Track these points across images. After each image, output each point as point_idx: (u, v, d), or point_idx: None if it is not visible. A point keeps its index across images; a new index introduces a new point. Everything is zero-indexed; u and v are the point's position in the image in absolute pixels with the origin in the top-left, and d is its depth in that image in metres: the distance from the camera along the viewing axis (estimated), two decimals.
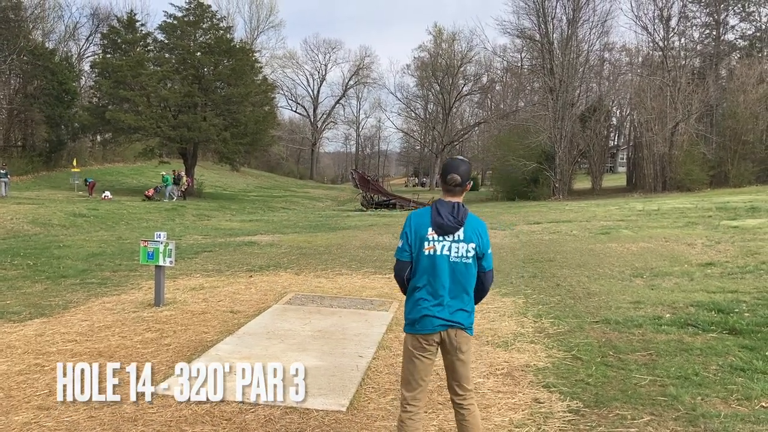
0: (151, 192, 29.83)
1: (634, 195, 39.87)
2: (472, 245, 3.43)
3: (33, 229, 19.31)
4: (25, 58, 39.93)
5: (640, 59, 53.12)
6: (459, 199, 3.47)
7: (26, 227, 19.35)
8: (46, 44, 45.20)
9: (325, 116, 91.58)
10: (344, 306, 8.19)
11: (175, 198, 35.12)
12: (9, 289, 9.14)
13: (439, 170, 3.29)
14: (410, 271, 3.47)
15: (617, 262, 11.43)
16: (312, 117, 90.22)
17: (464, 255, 3.41)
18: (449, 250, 3.40)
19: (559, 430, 4.23)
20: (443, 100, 79.59)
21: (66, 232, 18.89)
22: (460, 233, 3.40)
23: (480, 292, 3.58)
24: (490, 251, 3.54)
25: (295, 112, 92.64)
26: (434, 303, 3.40)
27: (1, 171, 29.55)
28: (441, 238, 3.40)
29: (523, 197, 42.83)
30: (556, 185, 43.96)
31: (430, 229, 3.40)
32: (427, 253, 3.40)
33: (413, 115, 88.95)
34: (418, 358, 3.46)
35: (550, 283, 9.60)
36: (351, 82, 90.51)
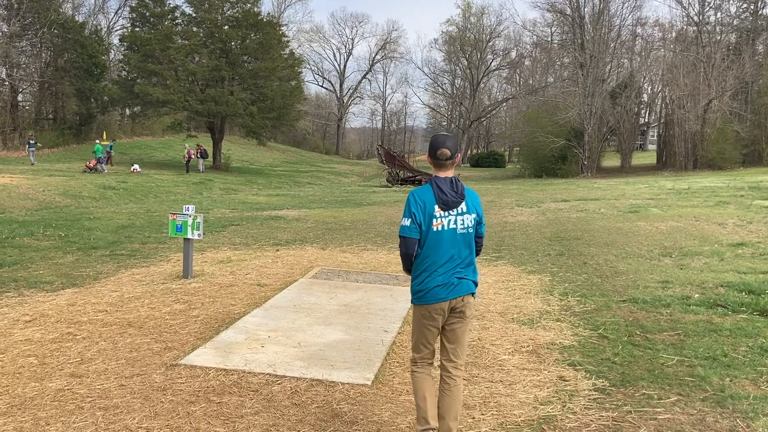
0: (93, 163, 29.41)
1: (664, 173, 39.26)
2: (474, 216, 3.64)
3: (64, 200, 19.65)
4: (55, 31, 40.33)
5: (673, 34, 52.04)
6: (451, 173, 3.62)
7: (57, 199, 19.69)
8: (76, 17, 45.64)
9: (351, 91, 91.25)
10: (369, 281, 8.23)
11: (202, 171, 35.49)
12: (42, 260, 9.34)
13: (428, 149, 3.43)
14: (417, 247, 3.58)
15: (646, 241, 11.29)
16: (338, 92, 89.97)
17: (469, 225, 3.61)
18: (455, 223, 3.57)
19: (585, 408, 4.22)
20: (471, 75, 78.74)
21: (96, 204, 19.19)
22: (463, 206, 3.58)
23: (474, 256, 3.79)
24: (483, 219, 3.79)
25: (322, 86, 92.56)
26: (444, 275, 3.55)
27: (30, 141, 31.70)
28: (446, 213, 3.55)
29: (550, 174, 42.42)
30: (585, 163, 43.44)
31: (436, 206, 3.54)
32: (435, 228, 3.54)
33: (440, 90, 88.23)
34: (428, 328, 3.62)
35: (577, 262, 9.52)
36: (378, 57, 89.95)
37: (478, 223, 3.69)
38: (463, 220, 3.58)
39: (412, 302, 3.70)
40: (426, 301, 3.56)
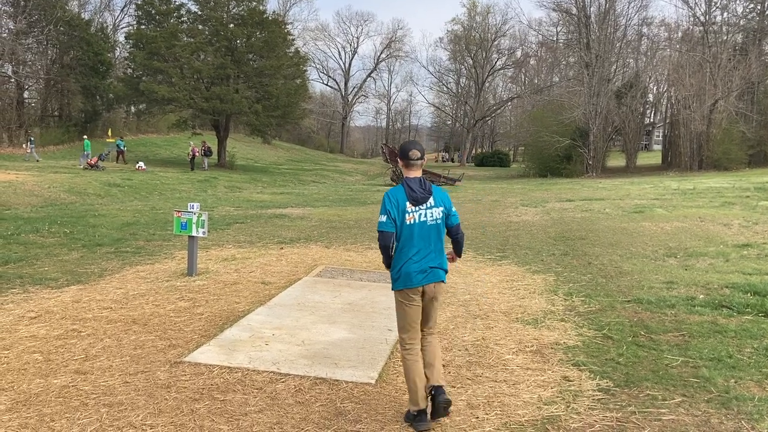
0: (94, 160, 29.37)
1: (669, 173, 39.14)
2: (442, 209, 4.12)
3: (69, 197, 19.69)
4: (61, 28, 40.41)
5: (679, 34, 51.86)
6: (419, 173, 4.13)
7: (63, 196, 19.74)
8: (82, 15, 45.67)
9: (356, 90, 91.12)
10: (374, 280, 8.22)
11: (206, 169, 35.54)
12: (47, 256, 9.36)
13: (399, 152, 4.18)
14: (394, 239, 4.05)
15: (650, 241, 11.27)
16: (343, 90, 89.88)
17: (437, 218, 4.10)
18: (425, 216, 4.06)
19: (589, 408, 4.21)
20: (476, 74, 78.54)
21: (101, 202, 19.24)
22: (431, 201, 4.08)
23: (457, 244, 4.36)
24: (454, 209, 4.25)
25: (327, 85, 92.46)
26: (419, 262, 4.04)
27: (31, 138, 32.74)
28: (417, 209, 4.05)
29: (555, 174, 42.32)
30: (590, 162, 43.32)
31: (407, 203, 4.04)
32: (408, 222, 4.04)
33: (445, 89, 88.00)
34: (410, 307, 4.09)
35: (582, 262, 9.51)
36: (383, 56, 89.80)
37: (447, 215, 4.16)
38: (432, 213, 4.08)
39: (393, 289, 4.15)
40: (405, 285, 4.04)
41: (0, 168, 24.87)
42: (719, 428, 3.91)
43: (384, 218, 4.03)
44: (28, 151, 31.68)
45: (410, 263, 4.02)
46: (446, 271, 4.16)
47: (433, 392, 3.96)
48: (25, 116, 40.31)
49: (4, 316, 6.10)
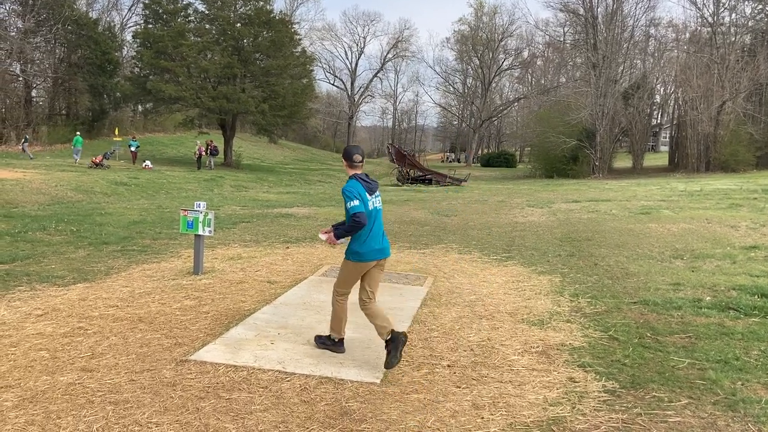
0: (99, 159, 29.43)
1: (676, 175, 39.00)
2: (380, 196, 5.12)
3: (76, 196, 19.77)
4: (69, 27, 40.60)
5: (687, 35, 51.70)
6: (361, 170, 5.03)
7: (69, 194, 19.82)
8: (90, 14, 45.91)
9: (362, 89, 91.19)
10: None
11: (213, 167, 35.62)
12: (54, 254, 9.40)
13: (343, 155, 5.13)
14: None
15: (657, 242, 11.23)
16: (349, 90, 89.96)
17: (380, 203, 5.09)
18: (376, 202, 4.99)
19: (594, 410, 4.20)
20: (483, 74, 78.54)
21: (108, 200, 19.31)
22: (377, 190, 5.05)
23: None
24: None
25: (333, 84, 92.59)
26: (377, 240, 4.96)
27: (26, 136, 33.74)
28: (372, 197, 4.95)
29: (561, 175, 42.24)
30: (596, 163, 43.22)
31: (366, 192, 4.87)
32: (369, 208, 4.87)
33: (451, 89, 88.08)
34: (356, 277, 5.04)
35: (588, 263, 9.48)
36: (389, 56, 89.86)
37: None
38: (378, 199, 5.05)
39: (350, 260, 4.95)
40: (364, 259, 4.92)
41: (8, 166, 24.98)
42: (726, 431, 3.90)
43: (357, 202, 4.74)
44: (21, 149, 32.22)
45: (371, 242, 4.90)
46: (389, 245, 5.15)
47: (392, 333, 4.76)
48: (33, 115, 40.50)
49: (12, 314, 6.13)
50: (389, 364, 4.66)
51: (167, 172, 29.69)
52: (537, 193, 25.47)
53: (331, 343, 5.20)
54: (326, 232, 5.12)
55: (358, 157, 4.96)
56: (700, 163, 40.72)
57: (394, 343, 4.70)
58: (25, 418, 3.88)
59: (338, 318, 5.17)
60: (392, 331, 4.78)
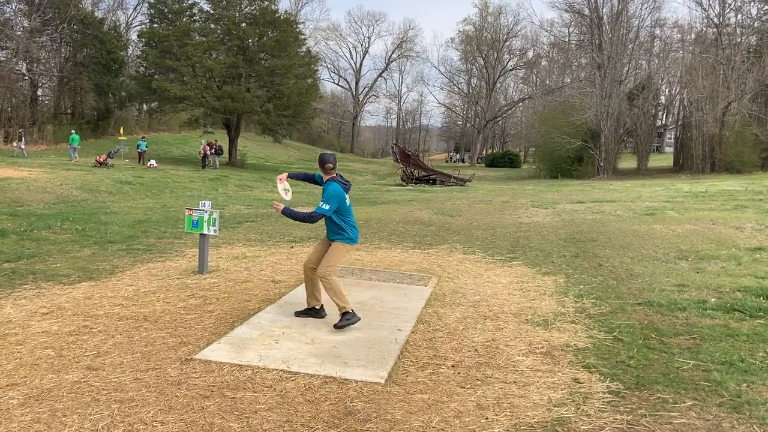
0: (103, 158, 29.45)
1: (681, 176, 38.91)
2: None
3: (81, 194, 19.82)
4: (75, 26, 40.70)
5: (692, 36, 51.44)
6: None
7: (75, 193, 19.87)
8: (95, 13, 46.01)
9: (367, 89, 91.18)
10: (383, 279, 8.23)
11: (218, 167, 35.65)
12: (59, 253, 9.43)
13: (318, 161, 6.14)
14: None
15: (662, 243, 11.21)
16: (354, 90, 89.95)
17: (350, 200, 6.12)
18: (350, 200, 6.09)
19: (599, 410, 4.19)
20: (487, 74, 78.41)
21: (113, 199, 19.35)
22: (350, 190, 6.09)
23: (303, 216, 6.11)
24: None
25: (337, 84, 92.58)
26: (357, 229, 6.12)
27: (20, 133, 33.76)
28: (347, 195, 6.00)
29: (566, 175, 42.16)
30: (601, 164, 43.11)
31: (345, 193, 5.92)
32: (347, 204, 5.96)
33: (456, 89, 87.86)
34: (346, 257, 6.43)
35: (592, 264, 9.47)
36: (394, 56, 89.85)
37: None
38: (350, 197, 6.15)
39: (347, 243, 5.98)
40: (355, 242, 6.06)
41: (13, 165, 25.06)
42: None
43: (327, 207, 5.75)
44: (14, 146, 32.37)
45: (355, 231, 6.04)
46: None
47: (322, 305, 6.24)
48: (39, 114, 40.62)
49: (17, 312, 6.16)
50: (299, 313, 6.26)
51: (172, 172, 29.74)
52: (541, 193, 25.44)
53: (351, 315, 5.84)
54: (283, 184, 6.32)
55: (329, 165, 5.94)
56: (705, 164, 40.59)
57: (314, 310, 6.23)
58: (31, 416, 3.90)
59: (340, 291, 5.85)
60: (322, 305, 6.23)
